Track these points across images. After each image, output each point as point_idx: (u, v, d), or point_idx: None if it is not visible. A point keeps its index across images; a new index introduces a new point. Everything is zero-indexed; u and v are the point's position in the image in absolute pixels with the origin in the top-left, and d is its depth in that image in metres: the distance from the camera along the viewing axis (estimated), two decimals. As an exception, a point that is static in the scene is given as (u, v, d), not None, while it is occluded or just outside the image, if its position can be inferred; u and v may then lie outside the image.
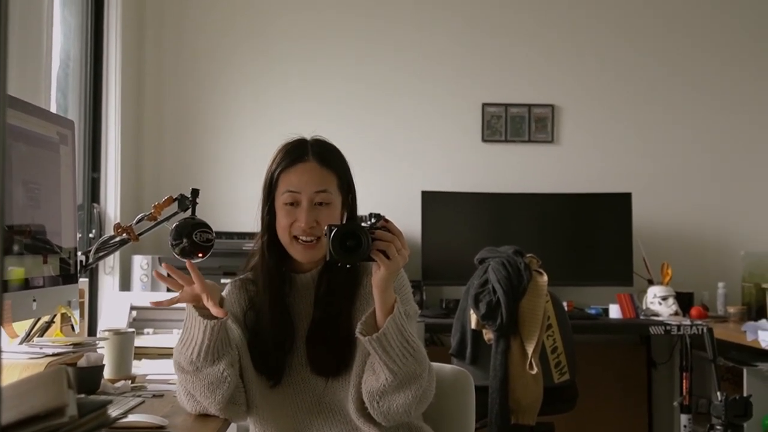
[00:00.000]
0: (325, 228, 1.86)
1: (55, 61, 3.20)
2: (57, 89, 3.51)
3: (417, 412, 1.92)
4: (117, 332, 2.35)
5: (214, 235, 2.47)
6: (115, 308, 3.23)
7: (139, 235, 2.53)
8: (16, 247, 1.91)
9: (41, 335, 2.33)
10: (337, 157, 2.05)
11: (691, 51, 4.98)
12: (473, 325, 3.49)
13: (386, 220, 1.85)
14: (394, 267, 1.82)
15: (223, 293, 1.96)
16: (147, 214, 2.55)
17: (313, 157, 1.99)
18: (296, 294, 2.01)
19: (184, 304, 1.89)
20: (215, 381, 1.86)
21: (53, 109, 3.18)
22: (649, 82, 4.95)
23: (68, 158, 2.24)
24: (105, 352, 2.27)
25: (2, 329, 2.00)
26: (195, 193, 2.55)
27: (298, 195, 1.96)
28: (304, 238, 1.95)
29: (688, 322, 4.20)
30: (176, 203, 2.56)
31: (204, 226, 2.46)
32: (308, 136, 2.06)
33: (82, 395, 1.79)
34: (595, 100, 4.94)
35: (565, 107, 4.92)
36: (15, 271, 1.91)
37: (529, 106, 4.89)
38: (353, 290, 1.99)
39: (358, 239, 1.80)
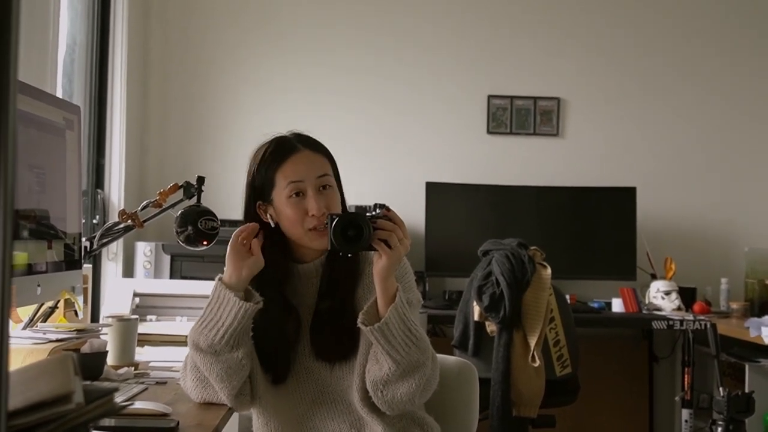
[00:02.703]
0: (327, 217, 1.85)
1: (61, 46, 3.19)
2: (63, 74, 3.50)
3: (421, 400, 1.91)
4: (121, 319, 2.34)
5: (219, 222, 2.47)
6: (118, 294, 3.23)
7: (144, 221, 2.52)
8: (20, 232, 1.91)
9: (44, 320, 2.33)
10: (323, 144, 2.00)
11: (697, 47, 4.96)
12: (476, 317, 3.49)
13: (388, 209, 1.84)
14: (396, 256, 1.80)
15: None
16: (152, 200, 2.54)
17: (303, 146, 1.94)
18: (299, 284, 1.98)
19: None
20: (233, 367, 1.84)
21: (59, 94, 3.17)
22: (654, 77, 4.94)
23: (74, 143, 2.23)
24: (108, 338, 2.27)
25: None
26: (201, 180, 2.55)
27: (301, 184, 1.90)
28: (319, 227, 1.89)
29: (690, 317, 4.19)
30: (182, 190, 2.56)
31: (209, 213, 2.46)
32: (284, 132, 1.99)
33: (87, 382, 1.79)
34: (601, 94, 4.93)
35: (570, 101, 4.91)
36: (18, 256, 1.91)
37: (535, 98, 4.87)
38: (356, 278, 1.97)
39: (359, 229, 1.79)
